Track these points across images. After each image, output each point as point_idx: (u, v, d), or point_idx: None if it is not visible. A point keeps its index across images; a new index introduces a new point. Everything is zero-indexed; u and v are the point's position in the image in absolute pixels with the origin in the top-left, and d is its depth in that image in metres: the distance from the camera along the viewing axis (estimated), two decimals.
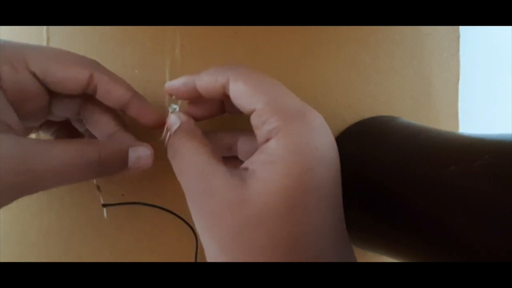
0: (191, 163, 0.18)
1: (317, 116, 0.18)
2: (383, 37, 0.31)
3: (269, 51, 0.29)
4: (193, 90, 0.21)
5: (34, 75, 0.19)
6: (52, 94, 0.21)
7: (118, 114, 0.23)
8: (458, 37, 0.34)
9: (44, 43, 0.27)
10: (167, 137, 0.21)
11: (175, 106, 0.22)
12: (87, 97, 0.22)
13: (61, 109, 0.22)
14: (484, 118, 0.36)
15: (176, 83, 0.21)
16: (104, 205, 0.26)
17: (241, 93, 0.18)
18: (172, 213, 0.27)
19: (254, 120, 0.18)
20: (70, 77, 0.20)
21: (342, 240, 0.18)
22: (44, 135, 0.26)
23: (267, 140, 0.17)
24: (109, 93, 0.21)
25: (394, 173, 0.22)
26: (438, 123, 0.33)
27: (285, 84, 0.19)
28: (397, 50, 0.32)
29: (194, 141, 0.19)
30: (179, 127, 0.21)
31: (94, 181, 0.25)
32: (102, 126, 0.22)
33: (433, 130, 0.24)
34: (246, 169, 0.17)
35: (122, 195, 0.27)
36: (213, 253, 0.17)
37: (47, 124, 0.24)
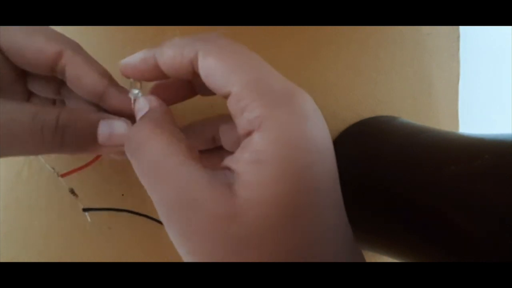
0: (161, 165, 0.14)
1: (307, 98, 0.15)
2: (383, 37, 0.32)
3: (269, 51, 0.29)
4: (155, 68, 0.17)
5: None
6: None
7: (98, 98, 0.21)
8: (458, 37, 0.34)
9: None
10: None
11: (136, 91, 0.18)
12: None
13: (38, 86, 0.19)
14: (484, 118, 0.36)
15: (132, 60, 0.17)
16: (84, 210, 0.26)
17: (214, 71, 0.15)
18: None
19: (231, 106, 0.15)
20: (33, 48, 0.17)
21: (350, 241, 0.15)
22: None
23: (250, 132, 0.14)
24: (78, 79, 0.17)
25: (394, 173, 0.22)
26: (438, 123, 0.33)
27: None
28: (397, 50, 0.32)
29: (164, 134, 0.15)
30: (145, 114, 0.17)
31: (66, 186, 0.25)
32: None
33: (433, 130, 0.24)
34: (229, 169, 0.14)
35: (122, 195, 0.27)
36: None
37: None
